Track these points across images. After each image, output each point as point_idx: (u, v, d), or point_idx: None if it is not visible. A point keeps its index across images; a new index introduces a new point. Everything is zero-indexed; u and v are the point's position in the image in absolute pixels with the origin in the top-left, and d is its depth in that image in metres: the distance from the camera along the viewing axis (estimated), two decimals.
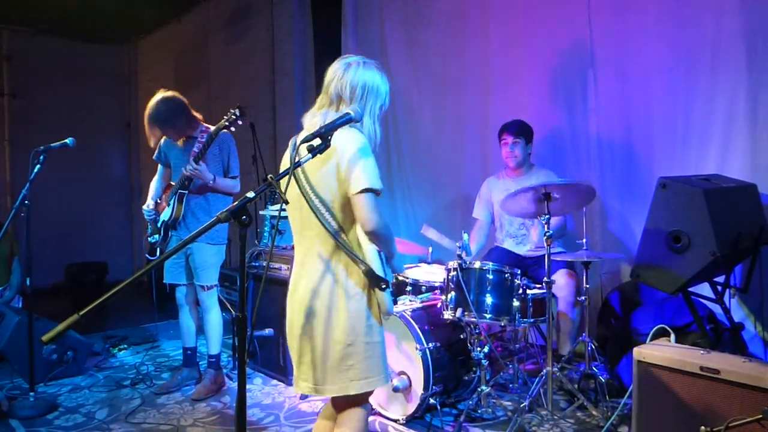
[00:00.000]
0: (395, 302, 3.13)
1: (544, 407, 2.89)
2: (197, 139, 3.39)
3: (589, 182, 3.70)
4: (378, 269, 1.82)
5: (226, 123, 3.21)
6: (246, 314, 1.55)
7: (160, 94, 3.41)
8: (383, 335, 1.95)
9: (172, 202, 3.44)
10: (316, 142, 1.71)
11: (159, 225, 3.54)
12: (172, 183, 3.55)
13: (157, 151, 3.67)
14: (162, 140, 3.62)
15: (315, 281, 1.88)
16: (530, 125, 3.67)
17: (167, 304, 3.76)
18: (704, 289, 2.77)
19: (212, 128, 3.45)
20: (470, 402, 2.92)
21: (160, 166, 3.71)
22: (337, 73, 1.95)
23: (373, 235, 1.82)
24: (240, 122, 3.21)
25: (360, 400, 1.95)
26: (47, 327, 3.56)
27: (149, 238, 3.60)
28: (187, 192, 3.43)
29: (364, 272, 1.80)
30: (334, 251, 1.87)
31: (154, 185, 3.71)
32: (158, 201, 3.64)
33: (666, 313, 3.07)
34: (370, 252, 1.84)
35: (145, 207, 3.62)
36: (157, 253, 3.55)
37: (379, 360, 1.91)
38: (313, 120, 1.96)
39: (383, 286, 1.77)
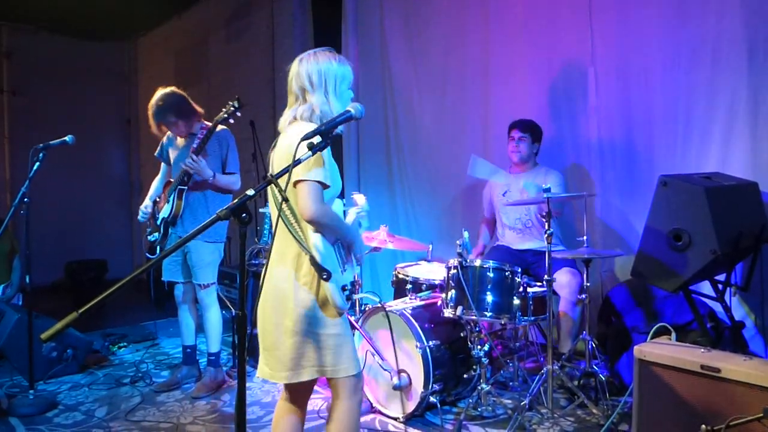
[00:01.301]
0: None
1: (544, 405, 2.89)
2: (197, 136, 3.39)
3: (589, 184, 3.72)
4: (321, 259, 1.85)
5: (225, 115, 3.24)
6: (246, 312, 1.54)
7: (161, 90, 3.43)
8: (343, 327, 1.97)
9: (171, 198, 3.44)
10: (317, 139, 1.71)
11: (159, 222, 3.54)
12: (172, 180, 3.55)
13: (159, 149, 3.67)
14: (165, 138, 3.62)
15: (274, 269, 1.95)
16: (540, 125, 3.68)
17: (167, 302, 3.76)
18: (705, 287, 2.77)
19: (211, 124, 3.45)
20: (470, 400, 2.92)
21: (163, 165, 3.71)
22: (293, 70, 2.02)
23: (314, 224, 1.87)
24: (239, 114, 3.25)
25: (340, 391, 1.97)
26: (47, 325, 3.55)
27: (149, 237, 3.59)
28: (186, 188, 3.42)
29: (310, 261, 1.83)
30: (290, 241, 1.93)
31: (155, 184, 3.70)
32: (157, 200, 3.63)
33: (667, 311, 3.07)
34: (314, 241, 1.88)
35: (142, 207, 3.61)
36: (157, 251, 3.54)
37: (336, 351, 1.94)
38: (283, 119, 2.03)
39: (324, 276, 1.78)
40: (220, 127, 3.37)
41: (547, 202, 2.93)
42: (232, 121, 3.29)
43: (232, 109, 3.22)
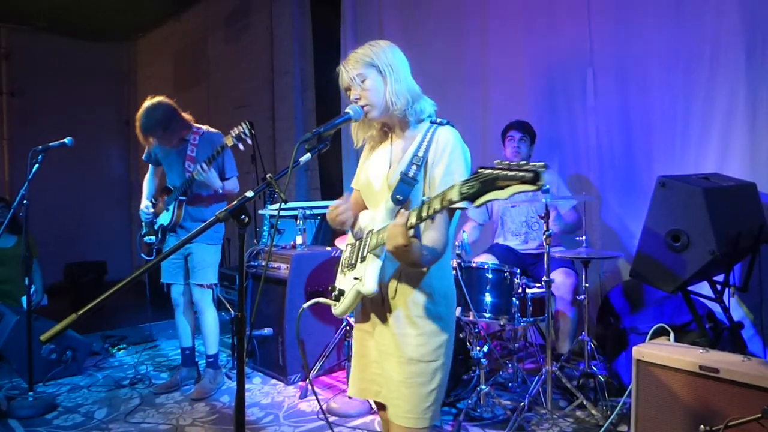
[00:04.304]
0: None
1: (543, 406, 2.89)
2: (189, 141, 3.38)
3: (589, 185, 3.72)
4: None
5: (234, 142, 3.05)
6: (245, 314, 1.54)
7: (149, 102, 3.33)
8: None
9: (172, 207, 3.44)
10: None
11: (156, 228, 3.53)
12: (169, 186, 3.53)
13: (146, 153, 3.64)
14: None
15: None
16: (533, 127, 3.68)
17: (165, 303, 3.76)
18: (704, 288, 2.77)
19: (203, 128, 3.44)
20: (469, 401, 2.92)
21: (151, 166, 3.70)
22: None
23: None
24: (249, 141, 3.05)
25: None
26: (46, 326, 3.56)
27: (145, 239, 3.59)
28: (186, 199, 3.42)
29: None
30: None
31: (146, 185, 3.69)
32: (153, 201, 3.62)
33: (665, 311, 3.07)
34: None
35: (142, 207, 3.60)
36: (154, 254, 3.54)
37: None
38: None
39: None
40: (212, 129, 3.40)
41: (546, 206, 2.93)
42: (242, 147, 3.09)
43: (242, 136, 3.03)
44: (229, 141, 3.08)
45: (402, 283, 1.70)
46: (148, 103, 3.34)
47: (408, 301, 1.69)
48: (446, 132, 1.73)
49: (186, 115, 3.44)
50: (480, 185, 1.29)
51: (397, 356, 1.69)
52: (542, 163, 1.20)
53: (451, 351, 1.76)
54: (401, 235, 1.46)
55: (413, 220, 1.47)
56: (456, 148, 1.69)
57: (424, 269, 1.68)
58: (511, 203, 3.66)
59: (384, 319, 1.74)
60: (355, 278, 1.71)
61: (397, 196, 1.65)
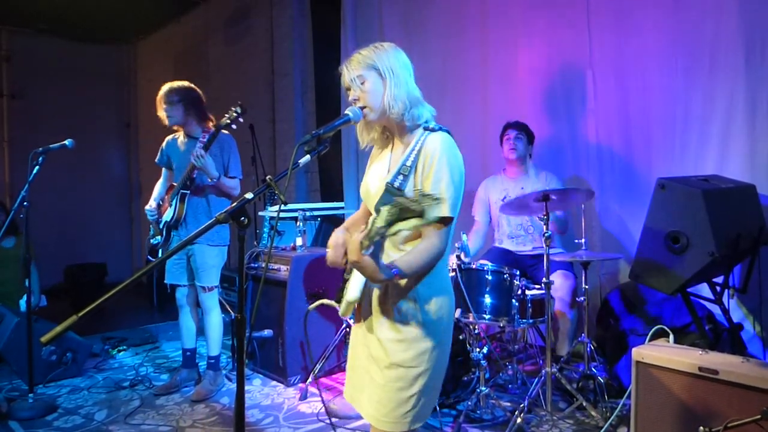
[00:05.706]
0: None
1: (543, 408, 2.89)
2: (198, 140, 3.40)
3: (588, 187, 3.72)
4: None
5: (228, 120, 3.24)
6: (245, 315, 1.55)
7: (182, 82, 3.50)
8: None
9: (174, 202, 3.44)
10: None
11: (161, 226, 3.54)
12: (175, 184, 3.55)
13: (159, 155, 3.67)
14: (164, 143, 3.63)
15: None
16: (531, 129, 3.70)
17: (166, 305, 3.76)
18: (703, 289, 2.77)
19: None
20: (469, 403, 2.92)
21: (164, 170, 3.72)
22: None
23: None
24: (241, 119, 3.25)
25: None
26: (46, 328, 3.55)
27: (151, 240, 3.60)
28: (188, 192, 3.43)
29: None
30: None
31: (158, 188, 3.71)
32: (160, 203, 3.64)
33: (665, 313, 3.07)
34: None
35: (147, 207, 3.62)
36: (159, 255, 3.54)
37: None
38: None
39: None
40: (223, 131, 3.40)
41: (545, 207, 2.93)
42: (234, 126, 3.29)
43: (234, 114, 3.22)
44: (223, 121, 3.25)
45: (390, 290, 1.71)
46: (182, 82, 3.54)
47: (393, 307, 1.70)
48: (435, 139, 1.69)
49: (210, 115, 3.56)
50: (398, 212, 1.34)
51: (381, 360, 1.71)
52: (436, 197, 1.32)
53: (441, 358, 1.73)
54: (353, 251, 1.45)
55: (366, 240, 1.46)
56: (443, 155, 1.65)
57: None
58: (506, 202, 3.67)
59: (372, 325, 1.76)
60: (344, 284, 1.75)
61: (381, 207, 1.61)
